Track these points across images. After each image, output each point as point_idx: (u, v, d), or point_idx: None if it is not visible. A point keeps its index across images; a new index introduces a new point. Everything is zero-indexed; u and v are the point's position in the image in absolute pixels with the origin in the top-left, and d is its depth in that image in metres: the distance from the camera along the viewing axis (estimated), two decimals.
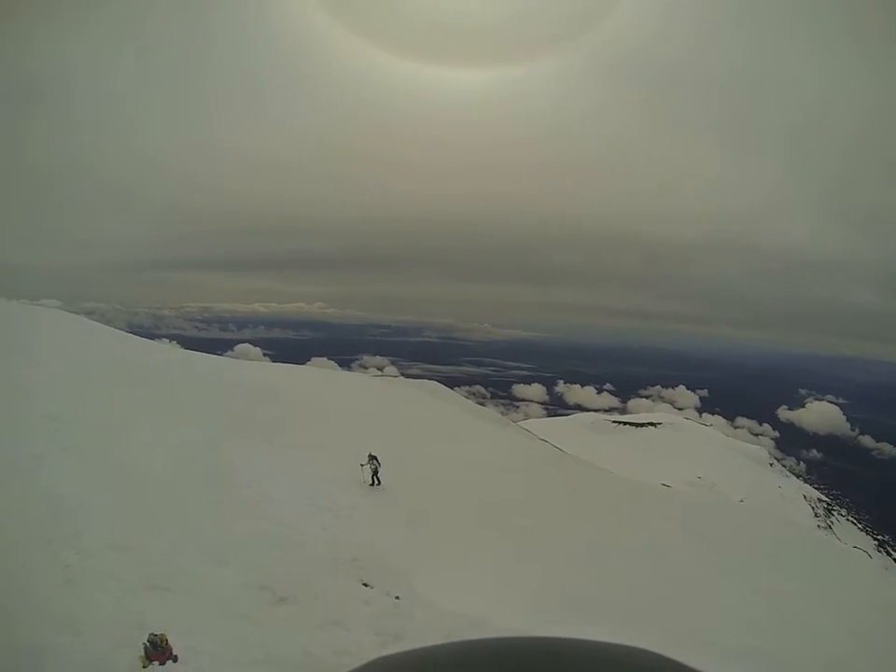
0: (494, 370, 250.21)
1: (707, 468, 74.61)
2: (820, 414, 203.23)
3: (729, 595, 17.61)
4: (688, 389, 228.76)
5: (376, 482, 19.06)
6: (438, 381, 59.21)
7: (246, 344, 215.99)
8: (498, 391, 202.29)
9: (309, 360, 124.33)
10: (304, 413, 25.67)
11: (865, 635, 16.22)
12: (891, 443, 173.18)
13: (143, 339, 41.77)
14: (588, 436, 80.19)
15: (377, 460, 19.04)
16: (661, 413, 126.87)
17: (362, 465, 18.80)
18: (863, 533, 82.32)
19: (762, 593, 18.41)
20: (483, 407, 65.58)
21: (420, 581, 11.75)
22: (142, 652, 7.36)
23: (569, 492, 26.11)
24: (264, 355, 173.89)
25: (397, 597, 10.84)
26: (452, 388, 59.72)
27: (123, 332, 42.03)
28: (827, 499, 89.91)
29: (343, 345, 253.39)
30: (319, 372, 45.32)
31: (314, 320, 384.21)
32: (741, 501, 55.62)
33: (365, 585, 10.97)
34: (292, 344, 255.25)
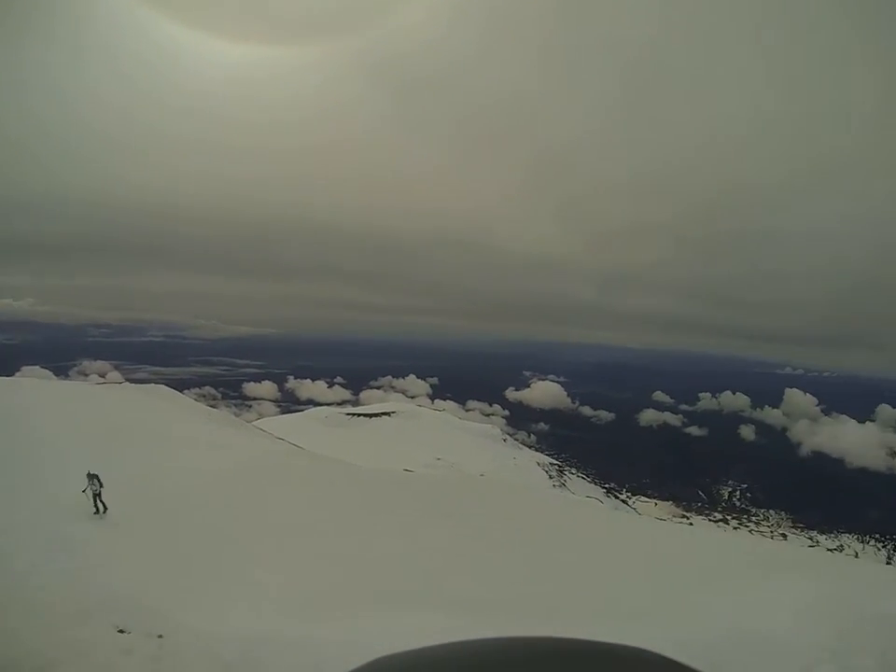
0: (224, 369, 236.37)
1: (444, 449, 77.01)
2: (544, 392, 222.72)
3: (484, 558, 16.84)
4: (418, 378, 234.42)
5: (101, 507, 14.84)
6: (165, 384, 53.76)
7: None
8: (230, 391, 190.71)
9: (19, 370, 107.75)
10: (12, 437, 20.63)
11: (603, 563, 17.44)
12: (607, 410, 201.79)
13: None
14: (324, 430, 78.79)
15: (98, 480, 14.89)
16: (394, 402, 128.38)
17: (83, 490, 14.69)
18: (592, 485, 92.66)
19: (514, 549, 18.27)
20: (214, 409, 61.56)
21: (180, 611, 9.99)
22: None
23: (314, 487, 24.48)
24: None
25: (160, 636, 8.99)
26: (181, 391, 54.42)
27: None
28: (558, 463, 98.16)
29: (58, 350, 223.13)
30: (30, 384, 38.46)
31: (23, 320, 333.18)
32: (481, 475, 57.41)
33: (121, 632, 8.96)
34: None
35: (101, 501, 14.89)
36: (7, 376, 46.92)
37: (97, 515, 14.81)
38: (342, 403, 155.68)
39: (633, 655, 0.95)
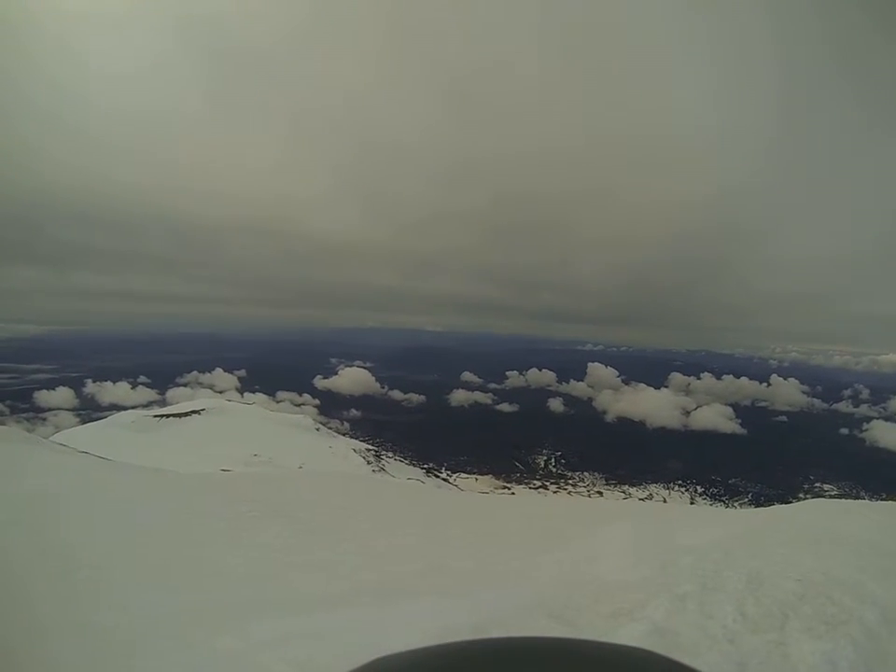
0: (9, 377, 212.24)
1: (259, 444, 75.49)
2: (353, 378, 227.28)
3: (322, 549, 16.61)
4: (225, 371, 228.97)
5: None
6: None
7: None
8: (18, 403, 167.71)
9: None
10: None
11: (437, 539, 16.56)
12: (417, 393, 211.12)
13: None
14: (131, 436, 74.33)
15: None
16: (202, 398, 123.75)
17: None
18: (412, 466, 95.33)
19: (346, 539, 18.14)
20: (2, 427, 56.42)
21: None
22: None
23: (124, 505, 22.83)
24: None
25: None
26: None
27: None
28: (374, 448, 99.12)
29: None
30: None
31: None
32: (300, 467, 57.00)
33: None
34: None
35: None
36: None
37: None
38: (148, 405, 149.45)
39: (633, 655, 0.96)
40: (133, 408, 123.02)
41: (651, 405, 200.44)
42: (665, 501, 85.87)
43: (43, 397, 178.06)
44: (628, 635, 5.65)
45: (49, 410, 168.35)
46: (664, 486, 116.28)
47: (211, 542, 18.35)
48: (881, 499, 30.83)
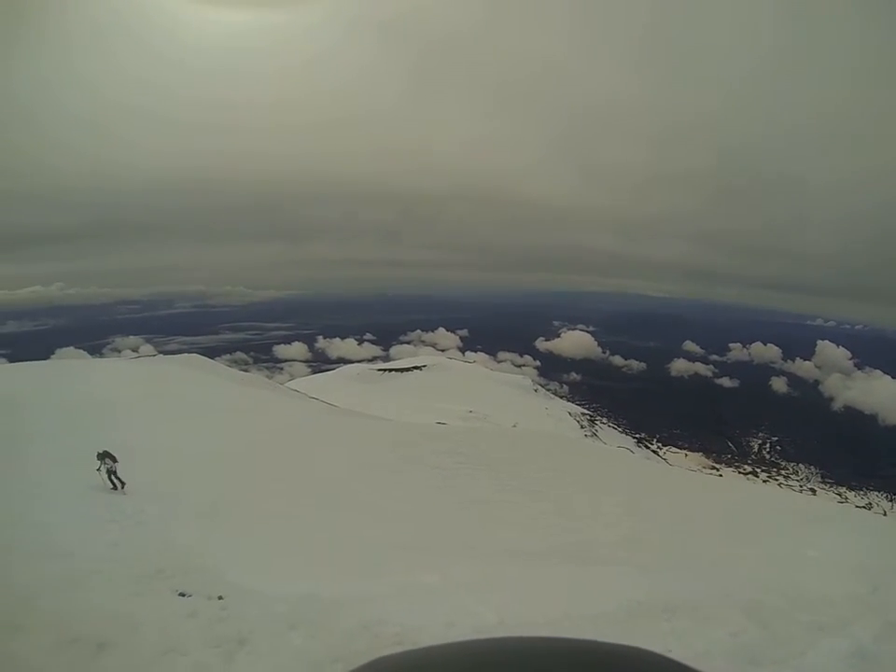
0: (253, 333, 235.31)
1: (476, 401, 77.30)
2: (574, 342, 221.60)
3: (524, 508, 17.17)
4: (447, 331, 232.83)
5: (117, 484, 15.00)
6: (197, 353, 54.65)
7: None
8: (261, 355, 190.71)
9: (53, 353, 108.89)
10: (51, 419, 20.65)
11: (638, 512, 17.69)
12: (637, 360, 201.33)
13: None
14: (356, 387, 79.35)
15: (111, 457, 15.00)
16: (424, 355, 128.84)
17: (97, 469, 14.67)
18: (624, 435, 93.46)
19: (550, 498, 18.54)
20: (247, 373, 62.45)
21: (237, 573, 9.82)
22: None
23: (350, 444, 24.76)
24: None
25: (220, 597, 8.84)
26: (213, 359, 55.26)
27: None
28: (589, 413, 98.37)
29: (90, 330, 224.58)
30: (65, 366, 39.07)
31: (53, 305, 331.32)
32: (514, 426, 57.77)
33: (182, 595, 8.86)
34: (32, 337, 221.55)
35: (117, 478, 15.11)
36: (42, 360, 47.89)
37: (116, 491, 14.90)
38: (372, 360, 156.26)
39: (633, 655, 0.96)
40: (358, 362, 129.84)
41: (888, 397, 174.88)
42: (885, 514, 76.20)
43: (281, 350, 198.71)
44: (828, 650, 5.40)
45: (286, 361, 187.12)
46: (887, 497, 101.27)
47: (422, 488, 19.41)
48: None
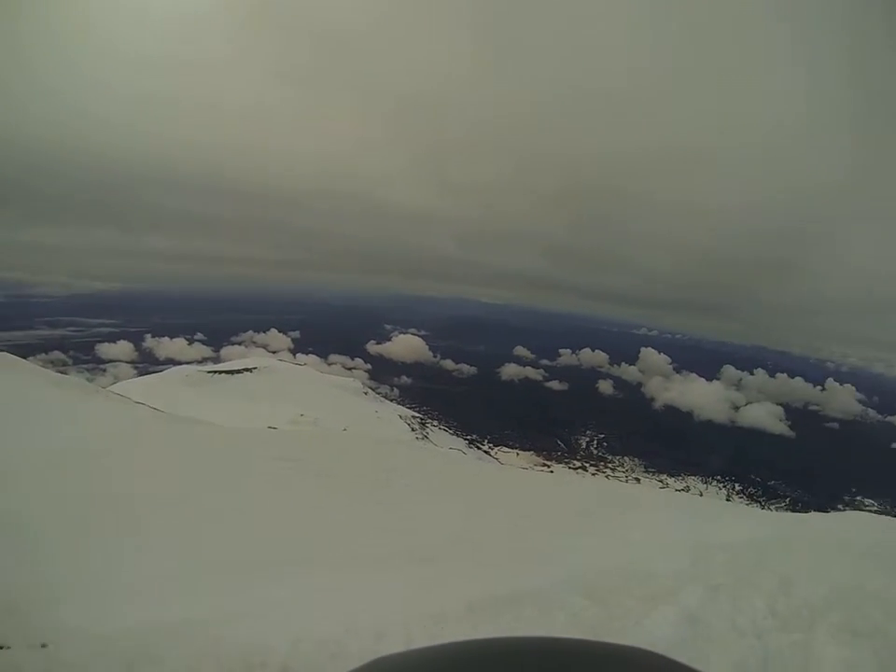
0: (74, 330, 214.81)
1: (307, 405, 76.33)
2: (406, 345, 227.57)
3: (355, 514, 16.94)
4: (279, 332, 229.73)
5: None
6: (7, 351, 49.98)
7: None
8: (81, 354, 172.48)
9: None
10: None
11: (474, 510, 17.33)
12: (468, 364, 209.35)
13: None
14: (185, 390, 75.93)
15: None
16: (255, 357, 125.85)
17: None
18: (455, 436, 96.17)
19: (388, 500, 18.51)
20: (65, 376, 57.93)
21: (61, 613, 8.48)
22: None
23: (177, 455, 23.44)
24: None
25: (44, 645, 7.54)
26: (25, 358, 50.67)
27: None
28: (420, 415, 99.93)
29: None
30: None
31: None
32: (344, 430, 57.55)
33: (2, 648, 7.49)
34: None
35: None
36: None
37: None
38: (202, 361, 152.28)
39: (633, 655, 0.96)
40: (188, 363, 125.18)
41: (701, 397, 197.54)
42: (701, 495, 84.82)
43: (104, 349, 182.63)
44: (660, 618, 5.80)
45: (110, 361, 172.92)
46: (702, 480, 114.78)
47: (255, 498, 18.76)
48: None
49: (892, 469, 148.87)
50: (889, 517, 18.26)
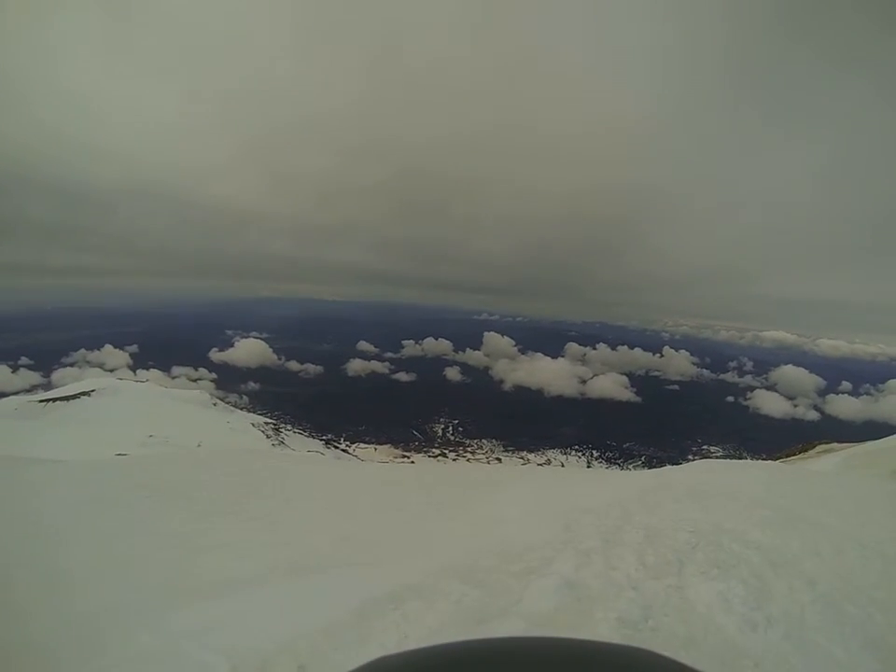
0: None
1: (155, 424, 73.17)
2: (249, 350, 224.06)
3: (227, 530, 16.51)
4: (115, 348, 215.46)
5: None
6: None
7: None
8: None
9: None
10: None
11: (347, 505, 17.40)
12: (314, 363, 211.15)
13: None
14: (16, 425, 70.29)
15: None
16: (91, 378, 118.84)
17: None
18: (311, 438, 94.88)
19: (254, 516, 18.18)
20: None
21: None
22: None
23: (19, 499, 21.85)
24: None
25: None
26: None
27: None
28: (273, 421, 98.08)
29: None
30: None
31: None
32: (199, 446, 55.87)
33: None
34: None
35: None
36: None
37: None
38: (32, 389, 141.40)
39: (633, 655, 0.97)
40: (15, 394, 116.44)
41: (549, 374, 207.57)
42: (562, 466, 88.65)
43: None
44: (539, 589, 5.99)
45: None
46: (561, 452, 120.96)
47: (114, 534, 17.82)
48: (762, 459, 33.08)
49: (729, 419, 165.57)
50: (732, 460, 19.86)
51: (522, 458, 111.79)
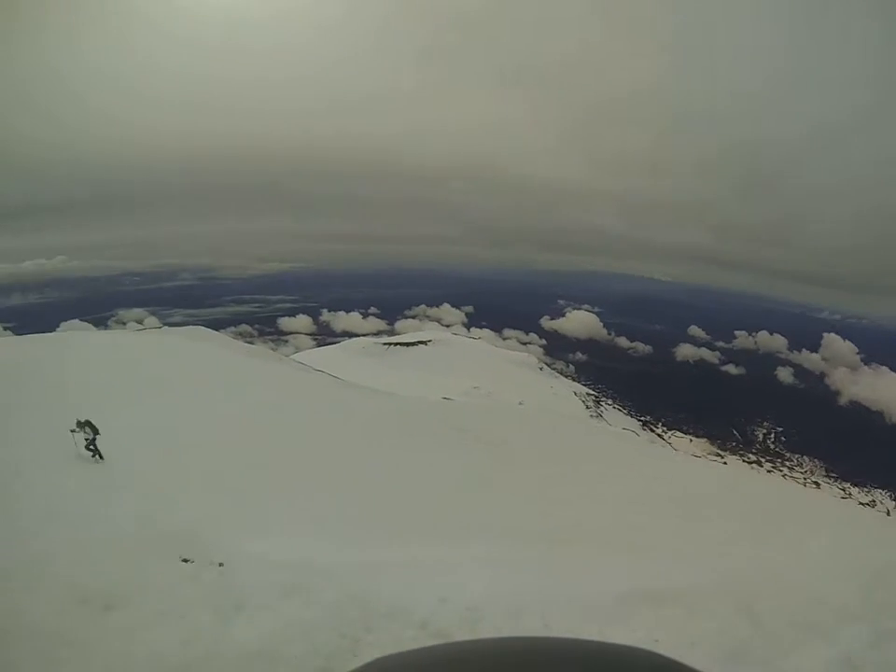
0: (257, 306, 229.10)
1: (481, 378, 77.33)
2: (580, 322, 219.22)
3: (526, 488, 17.37)
4: (452, 307, 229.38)
5: (96, 455, 14.71)
6: (202, 325, 54.71)
7: None
8: (265, 327, 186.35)
9: (59, 326, 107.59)
10: (54, 390, 19.91)
11: (641, 497, 17.98)
12: (643, 342, 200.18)
13: None
14: (361, 360, 79.44)
15: (92, 427, 14.57)
16: (430, 330, 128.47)
17: (72, 431, 14.37)
18: (629, 417, 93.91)
19: (556, 476, 18.61)
20: (252, 345, 62.57)
21: (237, 541, 10.36)
22: None
23: (356, 417, 24.82)
24: (4, 328, 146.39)
25: (220, 564, 9.26)
26: (217, 331, 55.26)
27: None
28: (595, 393, 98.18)
29: (94, 302, 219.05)
30: (70, 338, 38.65)
31: (57, 277, 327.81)
32: (520, 404, 57.92)
33: (185, 561, 9.29)
34: (37, 310, 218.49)
35: (94, 449, 14.85)
36: (48, 332, 47.62)
37: (102, 462, 14.77)
38: (377, 334, 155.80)
39: (633, 655, 0.96)
40: (363, 336, 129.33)
41: (894, 396, 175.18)
42: (888, 514, 75.27)
43: (285, 322, 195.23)
44: (813, 655, 5.42)
45: (290, 333, 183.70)
46: (891, 496, 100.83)
47: (427, 463, 19.52)
48: None
49: None
50: None
51: (843, 490, 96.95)
